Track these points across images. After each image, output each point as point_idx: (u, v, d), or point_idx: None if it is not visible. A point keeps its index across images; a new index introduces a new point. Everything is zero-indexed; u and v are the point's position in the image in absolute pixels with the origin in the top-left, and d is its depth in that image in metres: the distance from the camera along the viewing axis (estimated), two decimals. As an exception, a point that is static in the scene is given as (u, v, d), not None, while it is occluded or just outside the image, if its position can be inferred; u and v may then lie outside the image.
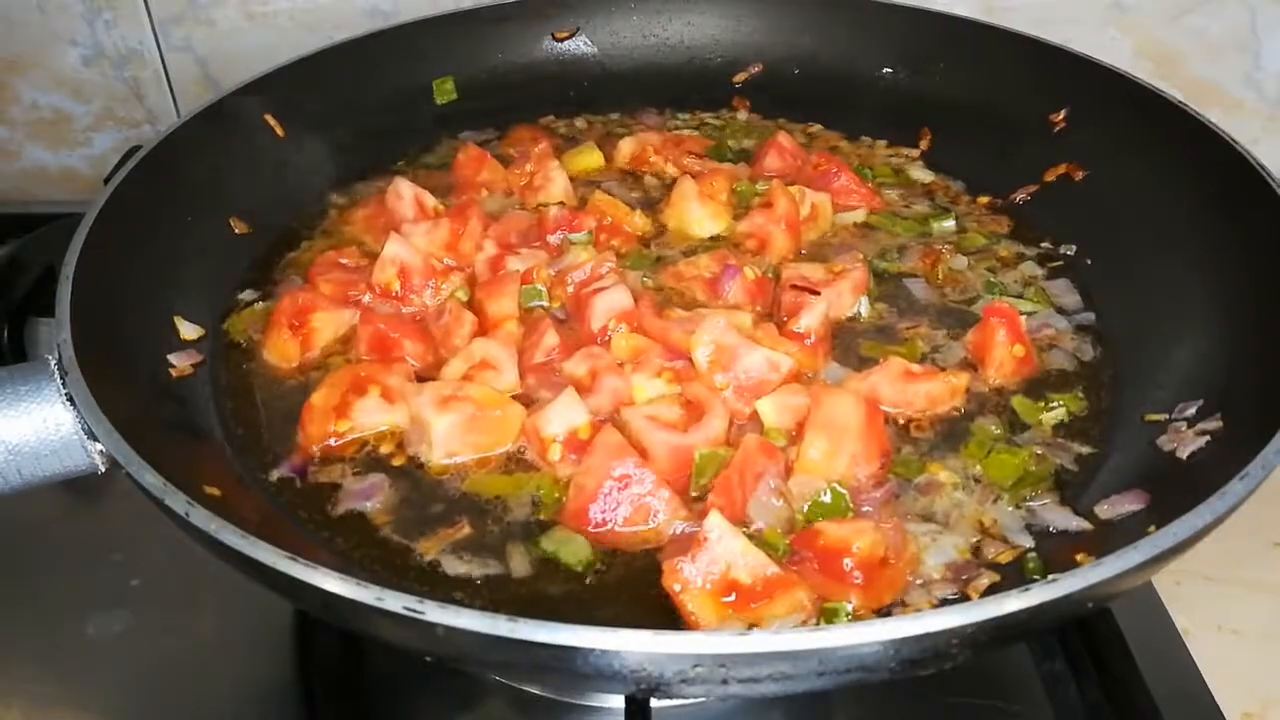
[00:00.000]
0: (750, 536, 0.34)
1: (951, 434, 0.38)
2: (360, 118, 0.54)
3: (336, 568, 0.28)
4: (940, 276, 0.47)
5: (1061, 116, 0.50)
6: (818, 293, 0.44)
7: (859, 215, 0.51)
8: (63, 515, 0.46)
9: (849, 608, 0.31)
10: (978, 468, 0.37)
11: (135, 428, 0.31)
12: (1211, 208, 0.42)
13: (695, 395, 0.39)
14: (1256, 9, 0.58)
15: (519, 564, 0.34)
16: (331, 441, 0.38)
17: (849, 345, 0.43)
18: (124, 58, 0.63)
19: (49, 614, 0.43)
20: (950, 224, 0.50)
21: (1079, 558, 0.32)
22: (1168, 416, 0.36)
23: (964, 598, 0.33)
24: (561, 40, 0.59)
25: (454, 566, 0.34)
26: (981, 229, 0.50)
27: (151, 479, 0.29)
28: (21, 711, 0.40)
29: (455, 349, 0.41)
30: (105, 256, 0.38)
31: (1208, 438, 0.34)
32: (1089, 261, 0.47)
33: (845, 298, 0.44)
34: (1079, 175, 0.49)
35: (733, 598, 0.32)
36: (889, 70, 0.56)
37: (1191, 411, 0.35)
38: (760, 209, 0.49)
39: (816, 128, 0.58)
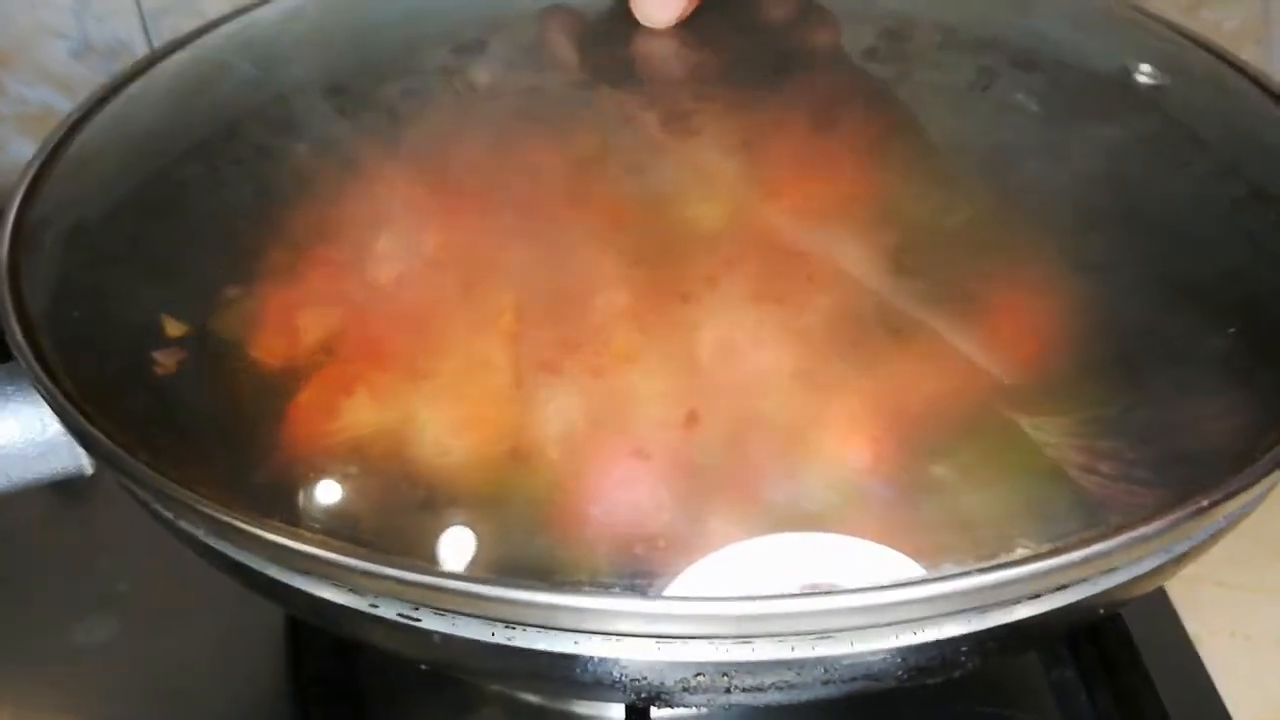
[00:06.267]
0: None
1: (960, 432, 0.37)
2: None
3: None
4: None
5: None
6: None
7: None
8: (49, 518, 0.45)
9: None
10: (987, 467, 0.36)
11: (121, 428, 0.30)
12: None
13: (698, 393, 0.38)
14: (1270, 1, 0.58)
15: (518, 566, 0.33)
16: (322, 441, 0.37)
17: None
18: (112, 51, 0.62)
19: (35, 619, 0.42)
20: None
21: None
22: (1185, 415, 0.35)
23: (973, 603, 0.32)
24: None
25: (450, 568, 0.33)
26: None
27: (138, 481, 0.29)
28: (9, 717, 0.39)
29: (452, 345, 0.41)
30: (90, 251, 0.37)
31: (1227, 436, 0.33)
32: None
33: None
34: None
35: (736, 599, 0.31)
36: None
37: (1211, 410, 0.35)
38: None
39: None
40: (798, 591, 0.25)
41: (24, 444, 0.32)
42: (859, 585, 0.25)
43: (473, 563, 0.26)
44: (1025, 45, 0.37)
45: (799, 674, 0.27)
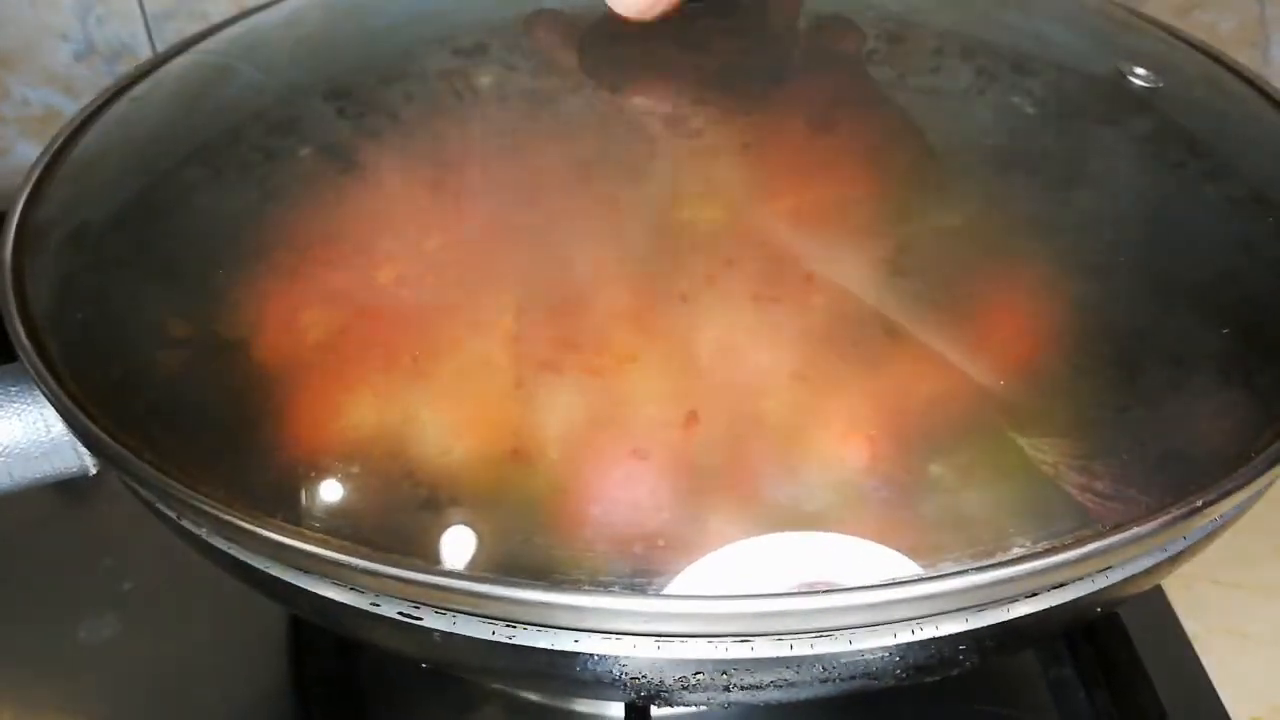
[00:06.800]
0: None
1: (957, 431, 0.37)
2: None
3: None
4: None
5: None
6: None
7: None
8: (52, 518, 0.45)
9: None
10: (985, 467, 0.36)
11: (124, 428, 0.30)
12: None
13: (698, 392, 0.38)
14: (1266, 3, 0.58)
15: (519, 565, 0.33)
16: (324, 440, 0.37)
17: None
18: (116, 53, 0.62)
19: (39, 618, 0.42)
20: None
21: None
22: (1180, 415, 0.35)
23: (970, 602, 0.32)
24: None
25: (451, 567, 0.33)
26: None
27: (142, 481, 0.29)
28: (12, 715, 0.39)
29: (453, 345, 0.41)
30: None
31: (1223, 437, 0.33)
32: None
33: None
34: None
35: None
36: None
37: (1206, 410, 0.35)
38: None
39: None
40: (796, 590, 0.25)
41: (27, 444, 0.32)
42: (857, 584, 0.25)
43: (474, 562, 0.26)
44: (1022, 48, 0.37)
45: (798, 672, 0.27)
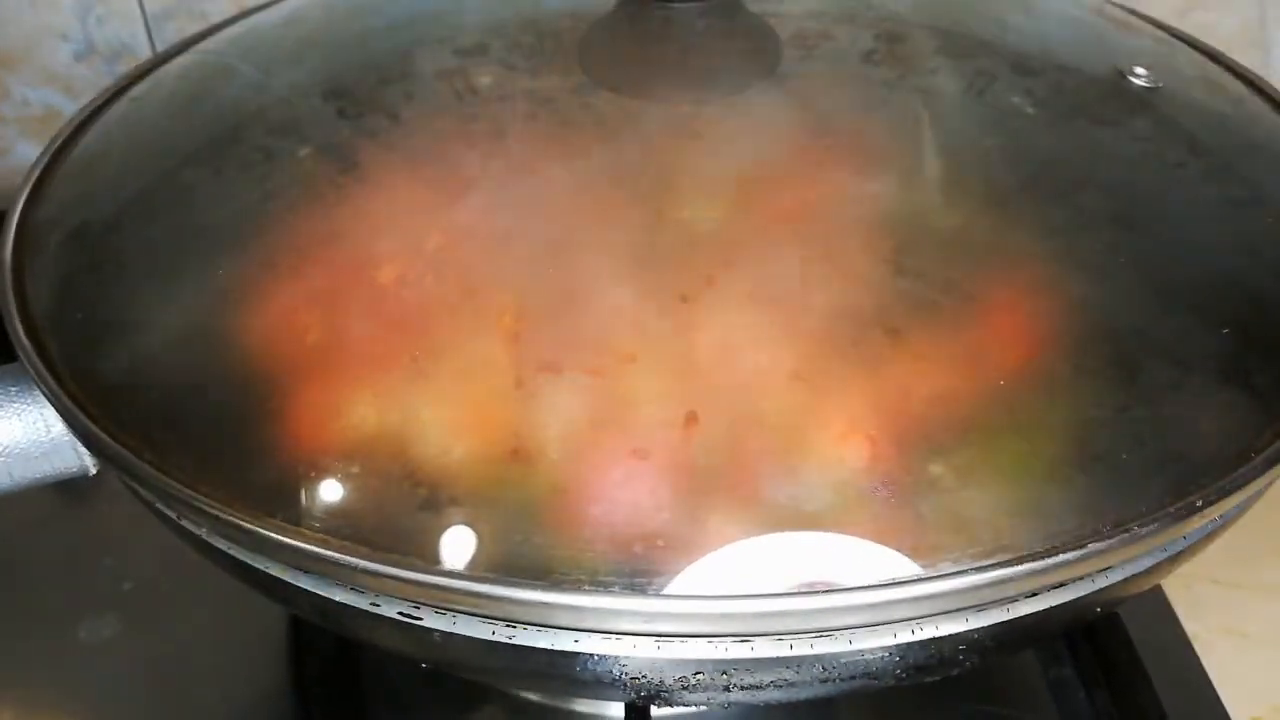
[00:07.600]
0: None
1: (957, 431, 0.37)
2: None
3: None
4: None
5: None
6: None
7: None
8: (52, 518, 0.45)
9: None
10: (985, 466, 0.36)
11: (124, 428, 0.30)
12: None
13: (697, 393, 0.38)
14: (1266, 4, 0.58)
15: (519, 565, 0.33)
16: (324, 440, 0.37)
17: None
18: (116, 53, 0.62)
19: (39, 617, 0.42)
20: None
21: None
22: (1180, 415, 0.35)
23: (970, 602, 0.32)
24: None
25: (451, 567, 0.33)
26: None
27: (142, 481, 0.29)
28: (13, 715, 0.39)
29: (453, 345, 0.41)
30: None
31: (1222, 436, 0.33)
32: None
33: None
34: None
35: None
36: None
37: (1206, 410, 0.35)
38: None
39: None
40: (796, 590, 0.25)
41: (27, 444, 0.32)
42: (857, 584, 0.25)
43: (473, 561, 0.26)
44: (1022, 48, 0.37)
45: (798, 672, 0.27)
